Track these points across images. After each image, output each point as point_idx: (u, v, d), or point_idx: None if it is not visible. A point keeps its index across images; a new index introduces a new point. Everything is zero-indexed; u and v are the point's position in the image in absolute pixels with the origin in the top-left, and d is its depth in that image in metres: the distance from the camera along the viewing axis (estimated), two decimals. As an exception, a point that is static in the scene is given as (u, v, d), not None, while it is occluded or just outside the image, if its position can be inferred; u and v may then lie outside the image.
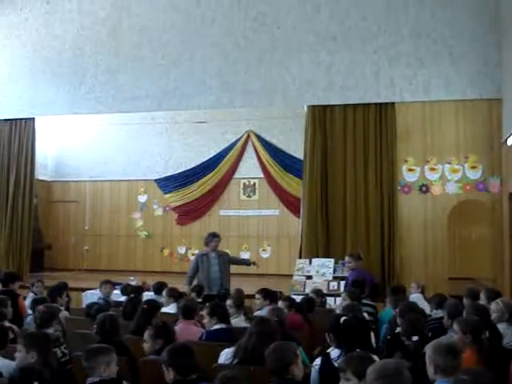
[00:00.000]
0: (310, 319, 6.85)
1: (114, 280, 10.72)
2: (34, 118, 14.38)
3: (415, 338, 4.54)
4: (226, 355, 4.84)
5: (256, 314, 6.93)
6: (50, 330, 5.37)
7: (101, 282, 8.86)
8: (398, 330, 5.49)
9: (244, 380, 3.38)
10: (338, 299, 10.09)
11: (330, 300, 10.36)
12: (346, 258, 10.19)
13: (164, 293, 8.01)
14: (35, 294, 8.45)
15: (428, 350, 3.76)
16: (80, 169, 17.26)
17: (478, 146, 11.45)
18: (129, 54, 13.32)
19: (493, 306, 5.59)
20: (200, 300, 7.98)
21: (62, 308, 7.55)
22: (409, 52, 11.73)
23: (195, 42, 12.86)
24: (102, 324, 5.12)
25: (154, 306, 6.40)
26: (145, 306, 6.24)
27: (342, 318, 4.53)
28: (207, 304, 6.22)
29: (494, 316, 5.44)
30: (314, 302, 7.99)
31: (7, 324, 5.82)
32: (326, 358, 4.37)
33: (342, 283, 10.77)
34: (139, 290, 8.65)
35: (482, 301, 6.43)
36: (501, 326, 5.29)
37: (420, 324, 4.83)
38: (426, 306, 7.04)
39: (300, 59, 12.20)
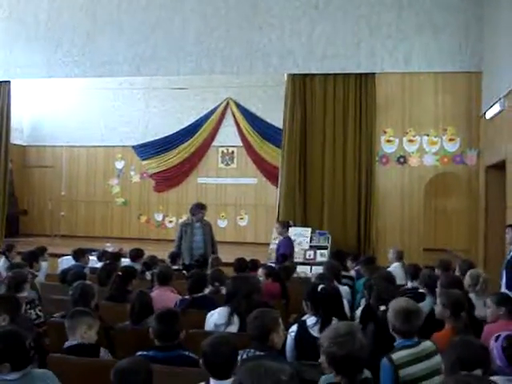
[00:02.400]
0: (286, 288, 6.87)
1: (88, 247, 10.72)
2: (9, 81, 14.11)
3: (382, 308, 4.57)
4: (218, 315, 4.93)
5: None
6: (24, 294, 5.34)
7: (74, 252, 8.49)
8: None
9: (234, 344, 3.36)
10: (314, 268, 10.22)
11: (305, 268, 10.49)
12: (276, 225, 10.23)
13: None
14: (7, 259, 8.34)
15: (389, 310, 3.88)
16: (56, 134, 17.01)
17: (457, 118, 11.51)
18: (106, 17, 13.05)
19: (466, 277, 5.69)
20: (176, 267, 7.98)
21: (38, 273, 7.50)
22: (390, 23, 11.67)
23: (174, 7, 12.64)
24: (75, 292, 5.08)
25: (129, 272, 6.38)
26: (119, 272, 6.22)
27: (320, 287, 4.55)
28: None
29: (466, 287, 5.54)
30: (291, 269, 8.02)
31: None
32: (302, 326, 4.40)
33: (319, 252, 10.88)
34: (117, 256, 8.61)
35: (457, 272, 6.51)
36: (472, 297, 5.39)
37: (387, 294, 4.83)
38: (403, 276, 7.11)
39: (281, 27, 12.06)
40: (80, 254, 8.42)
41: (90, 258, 9.16)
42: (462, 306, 4.48)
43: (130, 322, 4.95)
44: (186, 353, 4.02)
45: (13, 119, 14.72)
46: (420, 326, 3.79)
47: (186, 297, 5.83)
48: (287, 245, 9.89)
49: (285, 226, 10.19)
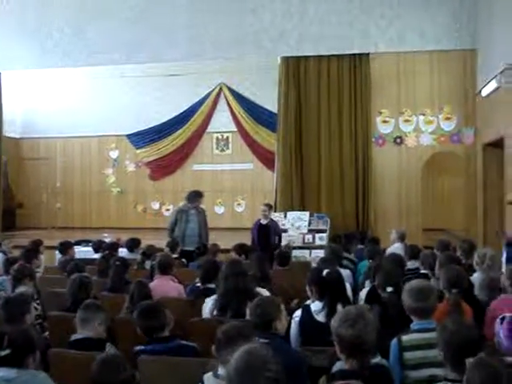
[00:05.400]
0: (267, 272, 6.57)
1: (85, 238, 10.65)
2: (-1, 73, 13.98)
3: (389, 289, 4.52)
4: (210, 303, 4.92)
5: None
6: (22, 289, 5.28)
7: (60, 245, 8.40)
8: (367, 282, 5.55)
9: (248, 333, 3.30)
10: (314, 252, 10.19)
11: (305, 252, 10.46)
12: (263, 207, 10.01)
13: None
14: (4, 253, 8.26)
15: (403, 293, 3.87)
16: (49, 125, 16.88)
17: (453, 97, 11.42)
18: (95, 5, 12.86)
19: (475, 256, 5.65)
20: (176, 256, 7.92)
21: (39, 270, 7.41)
22: (384, 1, 11.53)
23: (164, -8, 12.48)
24: (73, 285, 5.01)
25: (124, 262, 6.32)
26: (117, 262, 6.15)
27: (325, 271, 4.49)
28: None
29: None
30: (288, 255, 7.94)
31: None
32: (307, 311, 4.35)
33: (318, 236, 10.82)
34: (114, 246, 8.53)
35: (458, 252, 6.47)
36: (478, 275, 5.36)
37: (394, 275, 4.80)
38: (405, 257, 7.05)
39: (272, 8, 11.90)
40: (66, 247, 8.34)
41: (87, 249, 9.09)
42: (454, 282, 4.42)
43: (128, 313, 4.89)
44: (184, 342, 3.98)
45: (5, 112, 14.56)
46: (433, 306, 3.76)
47: (198, 285, 5.74)
48: (278, 225, 10.15)
49: (272, 208, 10.41)
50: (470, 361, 2.68)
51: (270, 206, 10.20)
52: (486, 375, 2.47)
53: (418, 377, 3.45)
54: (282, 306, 3.75)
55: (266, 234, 9.60)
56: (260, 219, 9.86)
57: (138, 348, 3.85)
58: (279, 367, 2.29)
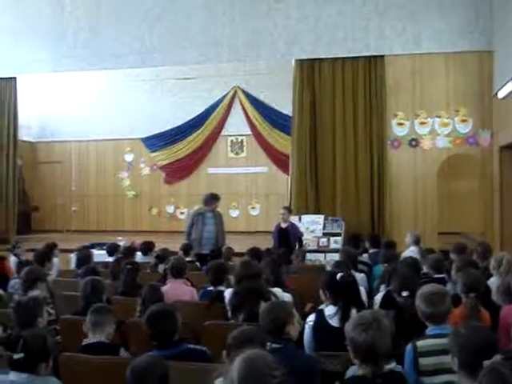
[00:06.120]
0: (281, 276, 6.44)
1: (101, 241, 10.67)
2: (15, 78, 14.05)
3: (405, 294, 4.46)
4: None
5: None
6: (36, 292, 5.26)
7: (77, 250, 8.50)
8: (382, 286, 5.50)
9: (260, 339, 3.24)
10: (329, 255, 10.13)
11: (319, 256, 10.41)
12: (282, 211, 9.96)
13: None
14: (17, 256, 8.29)
15: (416, 297, 3.83)
16: (64, 129, 16.97)
17: (469, 99, 11.29)
18: (110, 9, 12.90)
19: (491, 260, 5.58)
20: (189, 259, 7.90)
21: (51, 272, 7.41)
22: (399, 4, 11.44)
23: (179, -5, 12.49)
24: (86, 288, 4.98)
25: (136, 265, 6.30)
26: (128, 266, 6.12)
27: (339, 275, 4.42)
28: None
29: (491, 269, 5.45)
30: (289, 254, 7.87)
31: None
32: (321, 315, 4.30)
33: (332, 239, 10.76)
34: (131, 250, 8.51)
35: (474, 255, 6.39)
36: (495, 279, 5.27)
37: (409, 279, 4.73)
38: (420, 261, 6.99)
39: (287, 12, 11.87)
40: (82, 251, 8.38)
41: (101, 252, 9.11)
42: (471, 286, 4.35)
43: (140, 316, 4.85)
44: (192, 346, 3.89)
45: (21, 116, 14.67)
46: (447, 311, 3.69)
47: (209, 288, 5.69)
48: (298, 228, 10.01)
49: (291, 211, 10.35)
50: (486, 363, 2.61)
51: (289, 209, 10.15)
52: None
53: (433, 383, 3.39)
54: (295, 311, 3.70)
55: (287, 237, 9.55)
56: (280, 223, 9.82)
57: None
58: (283, 370, 2.24)
